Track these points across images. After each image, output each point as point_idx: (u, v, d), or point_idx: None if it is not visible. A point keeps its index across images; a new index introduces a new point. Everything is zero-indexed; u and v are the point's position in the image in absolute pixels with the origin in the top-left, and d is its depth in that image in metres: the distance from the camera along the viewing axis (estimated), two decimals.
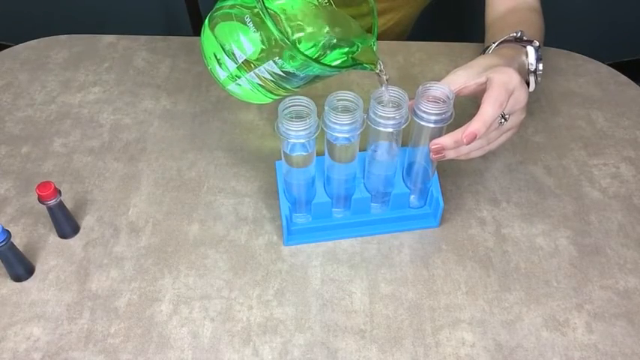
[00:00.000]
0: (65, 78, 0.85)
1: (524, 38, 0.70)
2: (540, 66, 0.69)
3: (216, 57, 0.67)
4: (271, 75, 0.62)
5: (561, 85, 0.85)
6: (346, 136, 0.56)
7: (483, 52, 0.73)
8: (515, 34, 0.70)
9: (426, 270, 0.63)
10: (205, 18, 0.68)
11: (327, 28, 0.67)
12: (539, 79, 0.70)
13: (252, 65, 0.63)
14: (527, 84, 0.69)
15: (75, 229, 0.66)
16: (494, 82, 0.58)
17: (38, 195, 0.60)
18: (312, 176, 0.62)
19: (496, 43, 0.71)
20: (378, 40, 0.64)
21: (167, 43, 0.90)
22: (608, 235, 0.66)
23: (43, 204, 0.61)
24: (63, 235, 0.65)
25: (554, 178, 0.72)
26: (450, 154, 0.60)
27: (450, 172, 0.73)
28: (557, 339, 0.58)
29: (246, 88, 0.68)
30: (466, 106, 0.82)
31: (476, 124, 0.56)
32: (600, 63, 0.89)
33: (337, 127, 0.55)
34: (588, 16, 1.79)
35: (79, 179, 0.72)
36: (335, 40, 0.66)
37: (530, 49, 0.69)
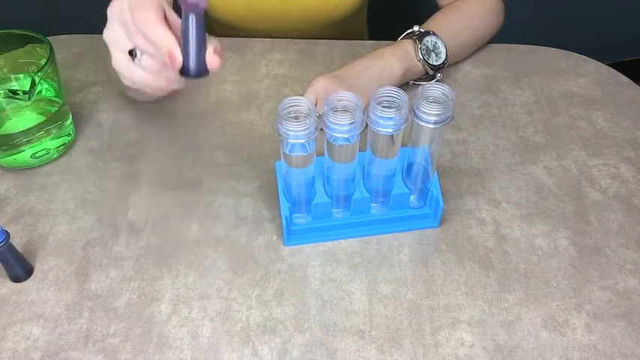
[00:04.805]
0: (65, 78, 0.85)
1: (422, 31, 0.80)
2: (434, 58, 0.79)
3: None
4: None
5: (561, 85, 0.85)
6: (345, 136, 0.56)
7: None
8: (414, 30, 0.80)
9: (425, 270, 0.63)
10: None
11: None
12: (439, 73, 0.81)
13: None
14: (432, 76, 0.81)
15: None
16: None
17: None
18: (311, 176, 0.62)
19: (400, 38, 0.82)
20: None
21: None
22: (608, 235, 0.66)
23: (185, 2, 0.48)
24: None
25: (554, 179, 0.72)
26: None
27: (449, 172, 0.73)
28: (557, 339, 0.58)
29: None
30: (466, 107, 0.82)
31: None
32: (600, 63, 0.89)
33: (336, 127, 0.55)
34: (588, 16, 1.79)
35: (78, 179, 0.72)
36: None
37: (413, 44, 0.78)
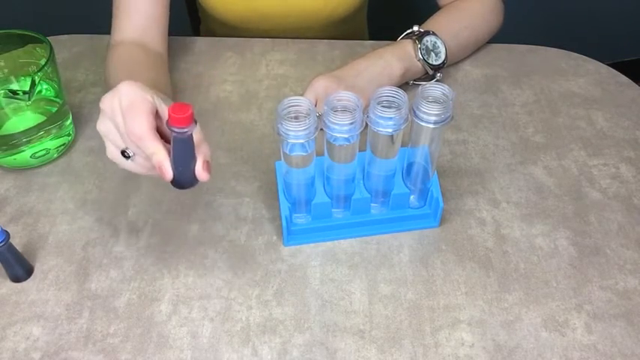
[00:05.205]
0: (65, 78, 0.85)
1: (422, 31, 0.80)
2: (433, 58, 0.79)
3: None
4: None
5: (561, 85, 0.85)
6: (345, 136, 0.56)
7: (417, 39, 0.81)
8: (414, 30, 0.81)
9: (425, 270, 0.63)
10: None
11: None
12: (439, 72, 0.81)
13: None
14: (431, 76, 0.81)
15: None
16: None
17: (170, 118, 0.47)
18: (311, 176, 0.62)
19: (399, 38, 0.82)
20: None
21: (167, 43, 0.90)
22: (608, 235, 0.66)
23: (172, 130, 0.48)
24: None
25: (554, 179, 0.72)
26: None
27: (450, 172, 0.73)
28: (557, 339, 0.58)
29: None
30: (466, 107, 0.82)
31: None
32: (600, 63, 0.89)
33: (336, 127, 0.55)
34: (588, 16, 1.79)
35: (78, 179, 0.72)
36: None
37: (412, 44, 0.79)
